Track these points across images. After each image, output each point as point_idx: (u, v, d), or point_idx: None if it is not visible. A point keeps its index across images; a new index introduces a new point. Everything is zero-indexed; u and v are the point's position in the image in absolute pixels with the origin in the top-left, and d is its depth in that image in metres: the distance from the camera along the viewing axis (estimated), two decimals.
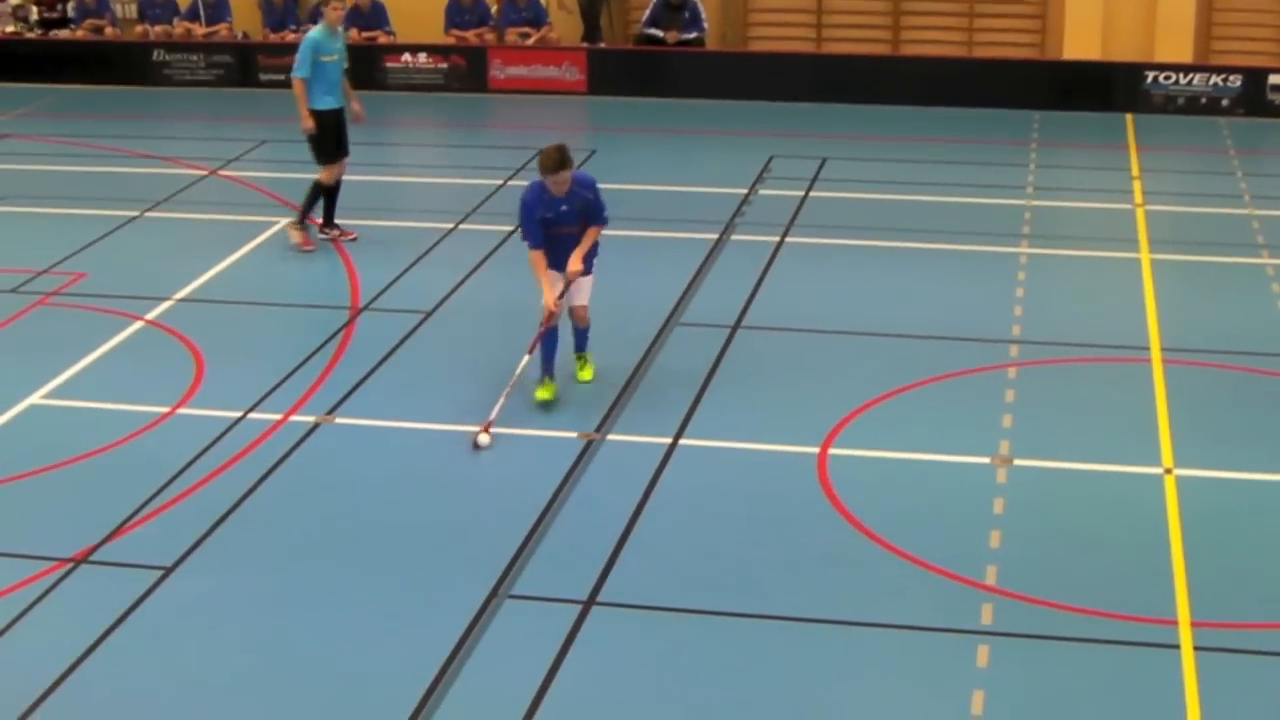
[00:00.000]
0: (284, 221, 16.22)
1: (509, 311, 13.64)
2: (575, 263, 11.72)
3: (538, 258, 11.69)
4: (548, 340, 11.83)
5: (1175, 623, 8.98)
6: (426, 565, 9.73)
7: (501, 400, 11.40)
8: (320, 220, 15.91)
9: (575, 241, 11.77)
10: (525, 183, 11.62)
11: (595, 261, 12.01)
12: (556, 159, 11.41)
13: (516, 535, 9.97)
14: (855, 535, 10.01)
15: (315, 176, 15.72)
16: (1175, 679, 8.45)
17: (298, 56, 15.36)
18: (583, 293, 11.98)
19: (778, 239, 15.91)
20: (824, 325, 13.56)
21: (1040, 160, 19.23)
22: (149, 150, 19.88)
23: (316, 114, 15.39)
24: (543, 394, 11.80)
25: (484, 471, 10.92)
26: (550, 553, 9.83)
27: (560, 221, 11.68)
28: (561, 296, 11.76)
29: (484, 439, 11.18)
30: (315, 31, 15.45)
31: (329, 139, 15.56)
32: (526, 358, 11.61)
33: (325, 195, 15.75)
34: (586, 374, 12.28)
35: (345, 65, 15.67)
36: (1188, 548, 9.78)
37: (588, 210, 11.77)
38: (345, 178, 15.88)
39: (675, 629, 9.02)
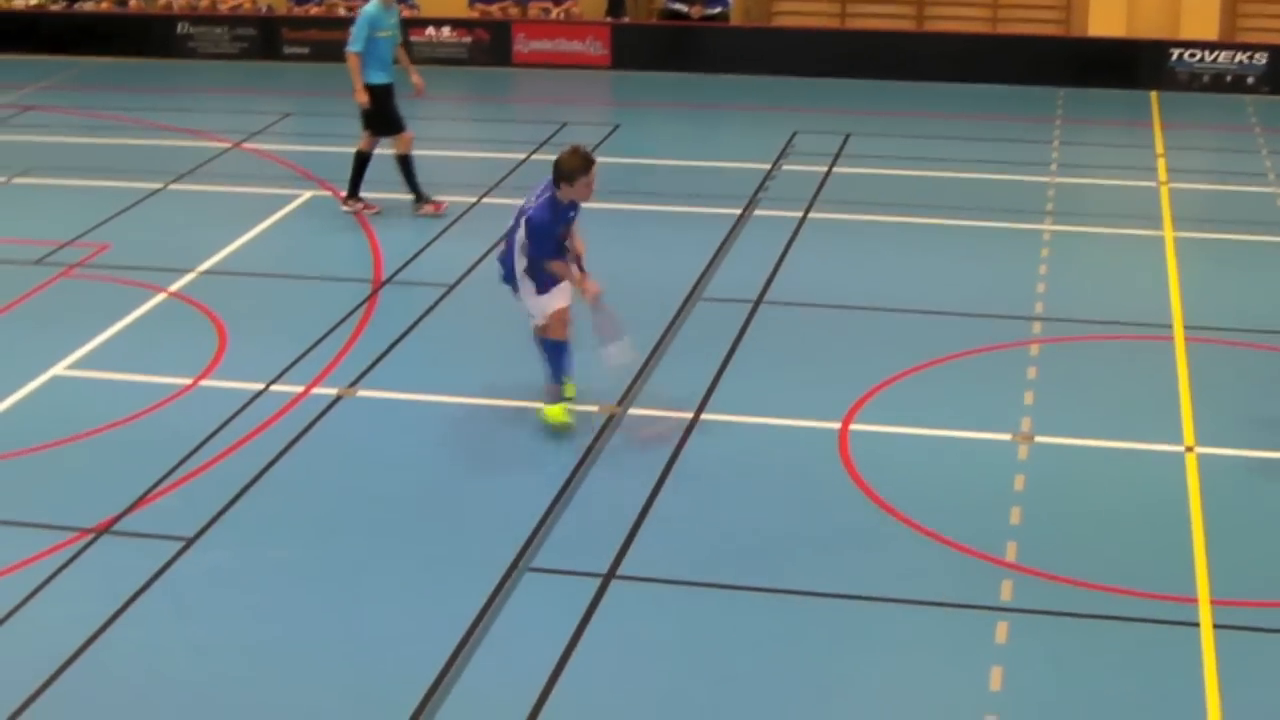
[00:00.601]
0: (334, 201, 16.24)
1: None
2: (594, 285, 10.94)
3: (558, 262, 10.89)
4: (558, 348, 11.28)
5: (1195, 600, 8.97)
6: (447, 538, 9.75)
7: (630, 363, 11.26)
8: (345, 194, 15.97)
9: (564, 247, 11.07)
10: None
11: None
12: (583, 158, 10.67)
13: (537, 508, 10.00)
14: (876, 511, 10.01)
15: (355, 148, 15.85)
16: (1194, 656, 8.45)
17: (353, 31, 15.54)
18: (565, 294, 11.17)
19: (801, 214, 15.88)
20: (846, 301, 13.54)
21: (1064, 137, 19.16)
22: (173, 123, 19.90)
23: (369, 88, 15.50)
24: (566, 392, 11.50)
25: (505, 444, 10.93)
26: (571, 526, 9.85)
27: (566, 231, 10.96)
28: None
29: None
30: (371, 7, 15.58)
31: (381, 112, 15.65)
32: (626, 339, 11.15)
33: (363, 167, 15.82)
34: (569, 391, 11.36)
35: (399, 40, 15.80)
36: (1208, 526, 9.76)
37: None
38: (375, 151, 15.90)
39: (694, 603, 9.04)
